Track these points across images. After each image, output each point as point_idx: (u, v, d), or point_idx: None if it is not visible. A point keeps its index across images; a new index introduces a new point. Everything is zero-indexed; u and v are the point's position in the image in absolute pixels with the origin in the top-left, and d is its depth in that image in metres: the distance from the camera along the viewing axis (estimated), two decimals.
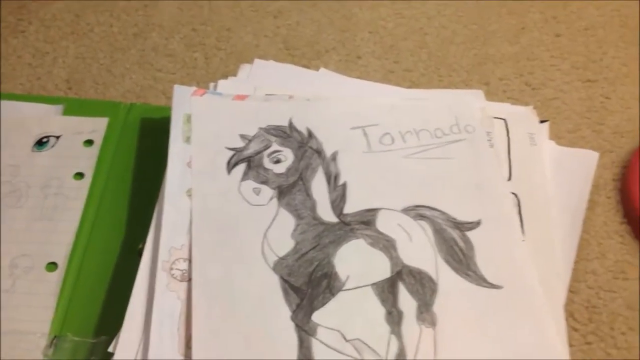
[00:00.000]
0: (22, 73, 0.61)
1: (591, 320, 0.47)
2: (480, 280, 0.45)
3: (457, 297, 0.44)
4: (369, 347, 0.42)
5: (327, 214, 0.47)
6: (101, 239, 0.50)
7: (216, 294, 0.43)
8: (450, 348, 0.42)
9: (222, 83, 0.55)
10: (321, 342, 0.42)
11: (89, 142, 0.54)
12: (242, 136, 0.50)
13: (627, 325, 0.47)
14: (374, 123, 0.52)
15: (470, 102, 0.55)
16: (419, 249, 0.46)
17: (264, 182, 0.48)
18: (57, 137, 0.54)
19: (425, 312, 0.43)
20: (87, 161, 0.53)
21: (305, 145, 0.50)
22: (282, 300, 0.43)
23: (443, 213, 0.48)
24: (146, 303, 0.43)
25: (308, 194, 0.47)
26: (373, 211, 0.47)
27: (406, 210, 0.48)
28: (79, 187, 0.52)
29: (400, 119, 0.52)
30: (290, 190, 0.48)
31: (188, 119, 0.51)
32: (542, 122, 0.54)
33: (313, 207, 0.47)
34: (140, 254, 0.46)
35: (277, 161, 0.49)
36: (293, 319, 0.43)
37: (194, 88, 0.53)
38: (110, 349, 0.43)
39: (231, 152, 0.49)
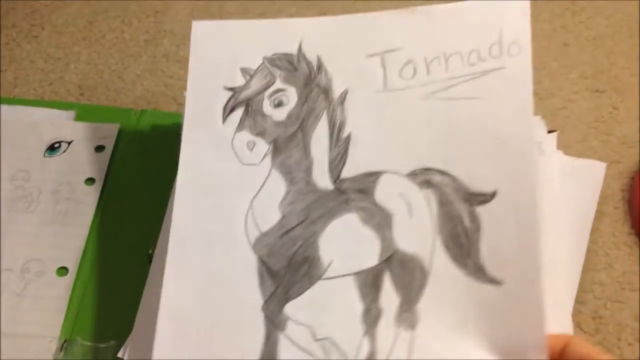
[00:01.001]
0: (35, 78, 0.62)
1: (598, 330, 0.47)
2: (479, 272, 0.39)
3: (447, 292, 0.39)
4: (338, 348, 0.39)
5: (322, 177, 0.42)
6: (111, 244, 0.50)
7: (190, 272, 0.41)
8: (427, 352, 0.38)
9: None
10: (289, 338, 0.39)
11: (100, 148, 0.55)
12: (244, 70, 0.45)
13: (634, 336, 0.47)
14: (396, 47, 0.44)
15: (522, 7, 0.45)
16: (417, 229, 0.41)
17: (261, 134, 0.43)
18: (69, 143, 0.55)
19: (406, 311, 0.39)
20: (98, 166, 0.54)
21: (312, 83, 0.44)
22: (256, 286, 0.40)
23: (455, 180, 0.41)
24: (156, 309, 0.44)
25: (306, 151, 0.43)
26: (374, 175, 0.42)
27: (413, 175, 0.42)
28: (90, 193, 0.52)
29: (430, 38, 0.44)
30: (287, 145, 0.43)
31: None
32: (550, 132, 0.53)
33: (309, 169, 0.43)
34: (150, 259, 0.47)
35: (279, 104, 0.44)
36: (264, 309, 0.40)
37: None
38: (119, 354, 0.43)
39: (229, 94, 0.45)
